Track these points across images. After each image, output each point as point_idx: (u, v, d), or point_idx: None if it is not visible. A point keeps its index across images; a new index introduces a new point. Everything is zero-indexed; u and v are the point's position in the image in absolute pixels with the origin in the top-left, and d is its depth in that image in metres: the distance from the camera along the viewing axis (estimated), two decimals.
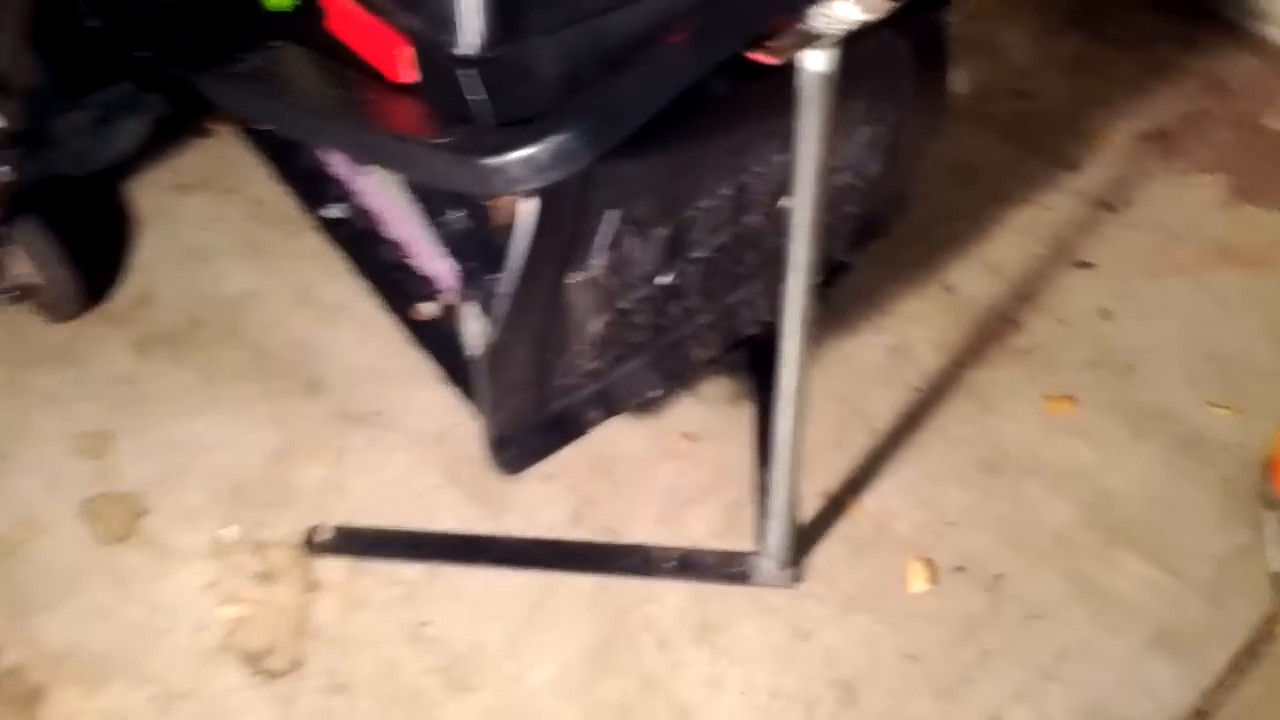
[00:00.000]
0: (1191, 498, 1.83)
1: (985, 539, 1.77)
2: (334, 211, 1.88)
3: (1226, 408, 1.96)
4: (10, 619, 1.62)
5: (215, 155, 2.26)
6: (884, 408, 1.93)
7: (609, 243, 1.26)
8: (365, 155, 1.26)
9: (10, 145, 1.56)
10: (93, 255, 1.98)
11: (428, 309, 1.74)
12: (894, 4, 1.07)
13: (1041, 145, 2.41)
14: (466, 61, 1.10)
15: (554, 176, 1.04)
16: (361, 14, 1.23)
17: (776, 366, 1.41)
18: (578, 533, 1.74)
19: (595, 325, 1.34)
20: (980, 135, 2.40)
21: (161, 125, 2.25)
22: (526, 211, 1.14)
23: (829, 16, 1.10)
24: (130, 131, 2.21)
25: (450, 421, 1.85)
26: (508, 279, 1.18)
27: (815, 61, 1.13)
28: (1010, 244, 2.21)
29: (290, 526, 1.72)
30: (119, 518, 1.73)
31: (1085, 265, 2.18)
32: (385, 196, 1.78)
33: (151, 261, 2.07)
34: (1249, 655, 1.65)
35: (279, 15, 1.41)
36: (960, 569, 1.73)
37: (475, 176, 1.06)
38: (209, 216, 2.15)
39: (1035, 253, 2.20)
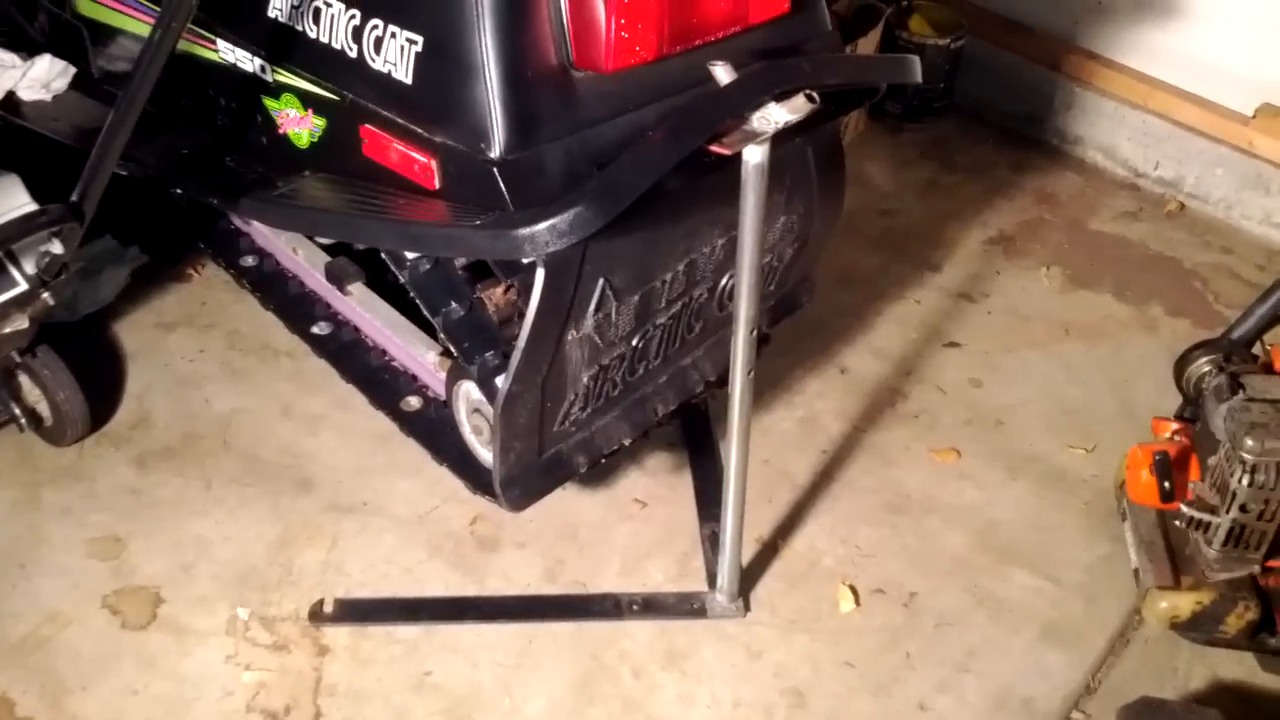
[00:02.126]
0: (1061, 521, 2.19)
1: (897, 566, 2.08)
2: (322, 329, 2.17)
3: (1082, 448, 2.33)
4: (49, 702, 1.79)
5: (193, 296, 2.52)
6: (802, 467, 2.26)
7: (596, 306, 1.57)
8: (410, 243, 1.56)
9: (58, 275, 1.81)
10: (91, 385, 2.21)
11: (415, 401, 2.03)
12: (812, 106, 1.44)
13: (907, 253, 2.83)
14: (497, 163, 1.43)
15: (572, 239, 1.36)
16: (395, 139, 1.56)
17: (728, 410, 1.72)
18: (552, 588, 2.00)
19: (584, 378, 1.64)
20: (856, 248, 2.81)
21: (140, 273, 2.53)
22: (539, 278, 1.46)
23: (765, 118, 1.46)
24: (113, 280, 2.48)
25: (429, 505, 2.11)
26: (523, 333, 1.48)
27: (754, 154, 1.48)
28: (890, 332, 2.60)
29: (296, 603, 1.94)
30: (139, 608, 1.93)
31: (954, 345, 2.57)
32: (369, 312, 2.08)
33: (144, 389, 2.31)
34: (1122, 639, 1.98)
35: (310, 151, 1.72)
36: (880, 591, 2.04)
37: (512, 244, 1.38)
38: (193, 349, 2.40)
39: (911, 337, 2.58)
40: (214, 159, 1.93)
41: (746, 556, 2.06)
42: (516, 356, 1.50)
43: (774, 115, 1.46)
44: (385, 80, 1.52)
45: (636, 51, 1.44)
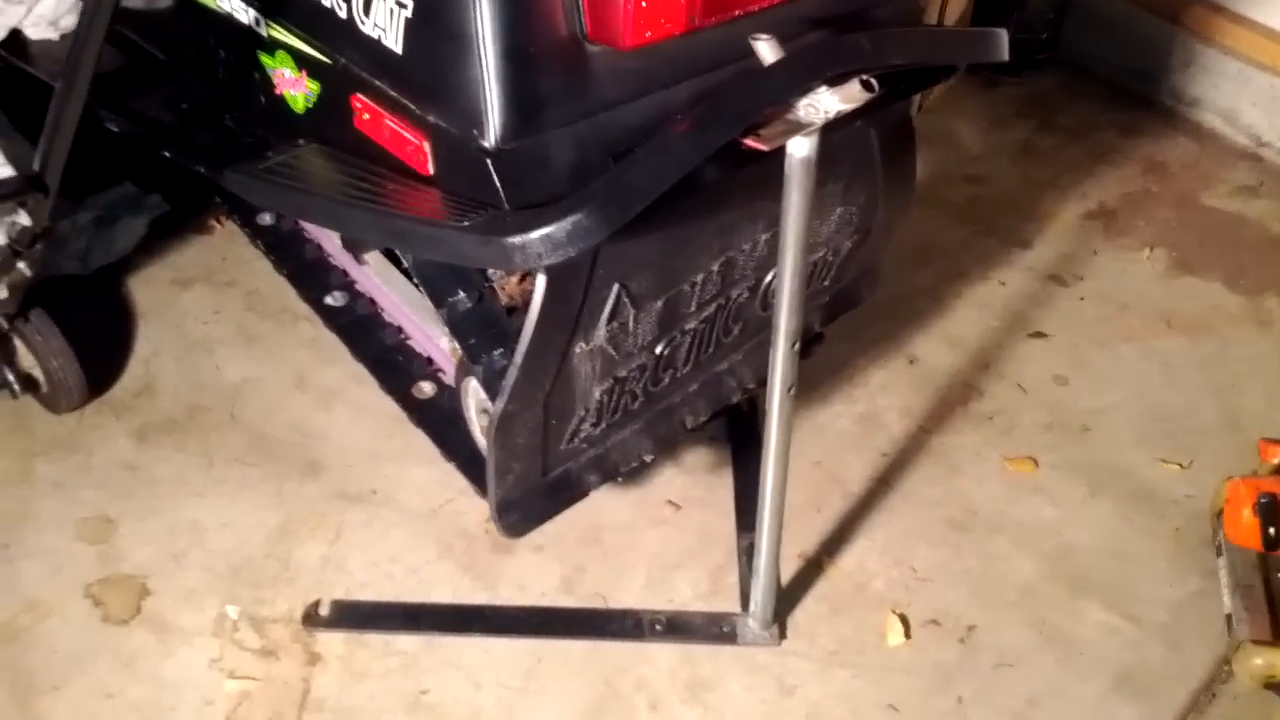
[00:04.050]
0: (1146, 548, 1.94)
1: (956, 593, 1.86)
2: (335, 299, 1.99)
3: (1176, 463, 2.07)
4: (18, 701, 1.67)
5: (213, 251, 2.36)
6: (857, 472, 2.04)
7: (610, 315, 1.36)
8: (393, 240, 1.37)
9: (31, 245, 1.65)
10: (96, 348, 2.06)
11: (428, 388, 1.84)
12: (869, 95, 1.20)
13: (995, 226, 2.56)
14: (491, 153, 1.21)
15: (570, 253, 1.14)
16: (386, 113, 1.35)
17: (764, 427, 1.51)
18: (569, 600, 1.82)
19: (596, 393, 1.44)
20: (938, 218, 2.55)
21: (159, 224, 2.37)
22: (540, 285, 1.25)
23: (814, 107, 1.22)
24: (130, 231, 2.33)
25: (443, 498, 1.93)
26: (520, 348, 1.28)
27: (800, 147, 1.25)
28: (969, 317, 2.34)
29: (290, 603, 1.79)
30: (123, 599, 1.79)
31: (1040, 335, 2.31)
32: (385, 284, 1.89)
33: (152, 353, 2.16)
34: (1207, 694, 1.74)
35: (306, 117, 1.52)
36: (934, 622, 1.82)
37: (500, 254, 1.17)
38: (208, 309, 2.25)
39: (992, 325, 2.33)
40: (213, 116, 1.74)
41: (787, 574, 1.86)
42: (512, 374, 1.30)
43: (824, 103, 1.22)
44: (375, 47, 1.31)
45: (662, 24, 1.20)
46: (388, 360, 1.92)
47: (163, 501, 1.93)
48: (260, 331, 2.22)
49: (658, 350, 1.49)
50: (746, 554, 1.88)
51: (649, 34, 1.19)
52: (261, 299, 2.27)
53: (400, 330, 1.94)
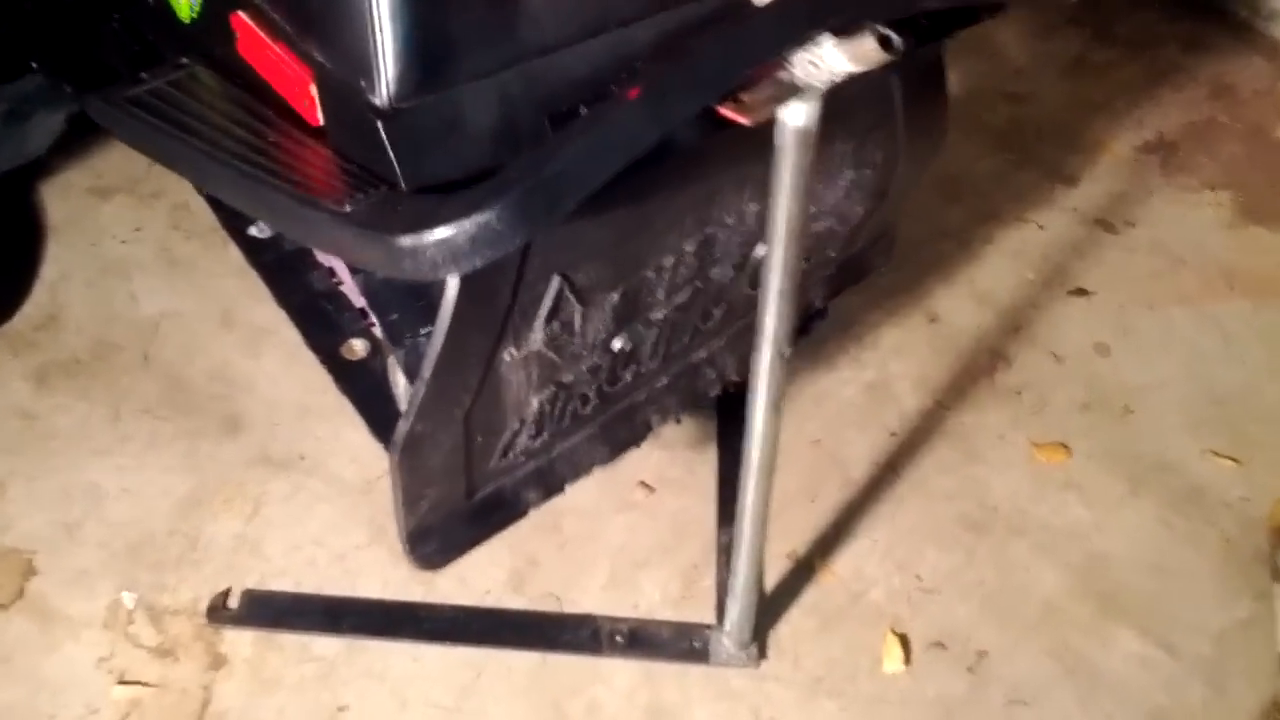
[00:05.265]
0: (1191, 563, 1.68)
1: (967, 609, 1.61)
2: (260, 230, 1.69)
3: (1230, 458, 1.80)
4: None
5: (138, 155, 2.05)
6: (860, 453, 1.77)
7: (550, 315, 1.08)
8: (262, 215, 1.07)
9: None
10: None
11: (359, 346, 1.56)
12: (890, 58, 0.89)
13: (1036, 156, 2.23)
14: (383, 113, 0.91)
15: (477, 262, 0.86)
16: (268, 39, 1.05)
17: (744, 441, 1.23)
18: (518, 600, 1.58)
19: (534, 403, 1.16)
20: (971, 144, 2.22)
21: (79, 120, 2.05)
22: (451, 284, 0.96)
23: (816, 66, 0.92)
24: (45, 128, 2.00)
25: (379, 468, 1.67)
26: (428, 361, 1.00)
27: (795, 115, 0.95)
28: (1000, 268, 2.04)
29: (195, 591, 1.55)
30: (4, 580, 1.55)
31: (1081, 293, 2.01)
32: None
33: (60, 276, 1.88)
34: None
35: (192, 29, 1.21)
36: (939, 644, 1.57)
37: (385, 257, 0.88)
38: (128, 225, 1.96)
39: (1027, 278, 2.03)
40: (98, 12, 1.42)
41: (773, 577, 1.61)
42: (419, 391, 1.01)
43: (829, 60, 0.92)
44: None
45: None
46: (315, 309, 1.63)
47: (60, 459, 1.67)
48: (185, 254, 1.93)
49: (615, 346, 1.20)
50: (727, 552, 1.62)
51: None
52: (190, 215, 1.98)
53: (333, 274, 1.65)
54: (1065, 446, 1.80)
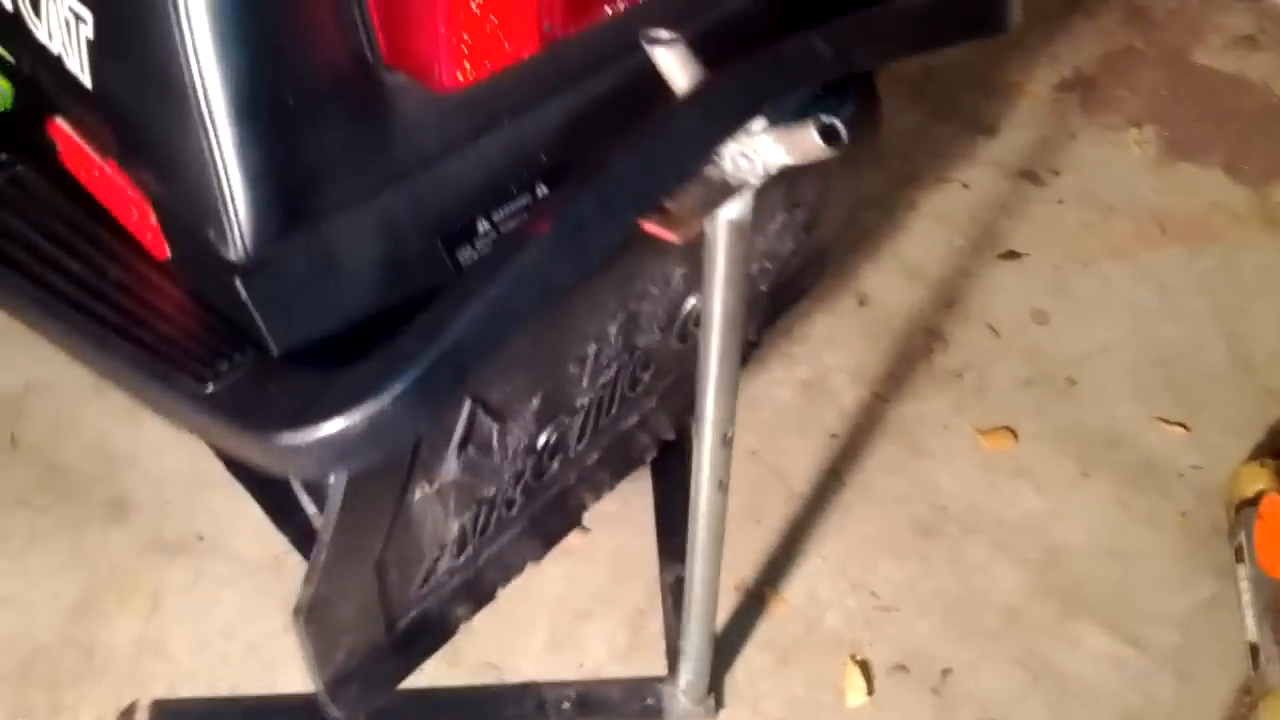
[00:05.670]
0: (1150, 543, 1.62)
1: (927, 624, 1.53)
2: None
3: (1179, 424, 1.73)
4: None
5: None
6: (801, 462, 1.67)
7: (463, 442, 0.94)
8: (109, 380, 0.90)
9: None
10: None
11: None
12: (834, 152, 0.76)
13: (954, 106, 2.12)
14: (239, 267, 0.76)
15: (372, 457, 0.71)
16: (95, 154, 0.87)
17: (689, 532, 1.12)
18: (453, 674, 1.46)
19: (454, 526, 1.03)
20: (886, 99, 2.08)
21: None
22: None
23: (749, 159, 0.78)
24: None
25: (285, 542, 1.53)
26: (325, 527, 0.86)
27: (729, 210, 0.82)
28: (928, 235, 1.93)
29: (98, 709, 1.40)
30: None
31: (1012, 255, 1.92)
32: None
33: None
34: None
35: (13, 122, 1.02)
36: (901, 668, 1.50)
37: (260, 455, 0.73)
38: None
39: (956, 244, 1.93)
40: None
41: (723, 613, 1.51)
42: (319, 554, 0.88)
43: (763, 152, 0.78)
44: (60, 67, 0.82)
45: (503, 49, 0.73)
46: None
47: None
48: None
49: (540, 443, 1.07)
50: (672, 592, 1.52)
51: (483, 66, 0.73)
52: None
53: None
54: (1011, 430, 1.72)
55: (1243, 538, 1.54)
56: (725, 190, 0.78)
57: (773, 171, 0.78)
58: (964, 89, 2.14)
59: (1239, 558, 1.56)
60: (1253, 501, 1.56)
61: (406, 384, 0.68)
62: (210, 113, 0.70)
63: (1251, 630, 1.49)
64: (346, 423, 0.69)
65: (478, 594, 1.17)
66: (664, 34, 0.77)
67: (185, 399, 0.75)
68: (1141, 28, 2.28)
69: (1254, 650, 1.48)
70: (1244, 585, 1.53)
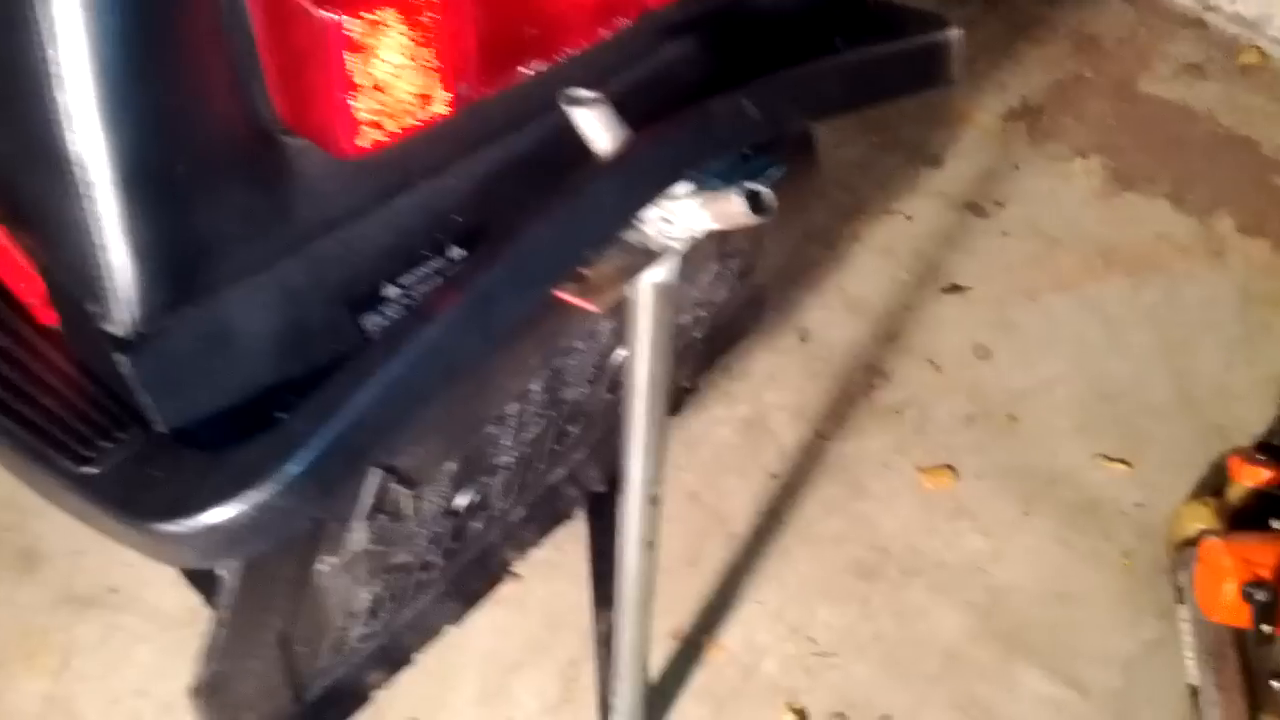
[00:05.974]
0: (1092, 584, 1.60)
1: (866, 669, 1.50)
2: None
3: (1121, 461, 1.72)
4: None
5: None
6: (741, 504, 1.63)
7: (374, 510, 0.89)
8: None
9: None
10: None
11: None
12: (760, 219, 0.72)
13: (898, 136, 2.09)
14: (124, 343, 0.71)
15: (259, 547, 0.67)
16: None
17: (614, 601, 1.08)
18: None
19: (363, 595, 0.98)
20: (831, 129, 2.06)
21: None
22: None
23: (673, 224, 0.74)
24: None
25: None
26: (221, 608, 0.81)
27: (653, 274, 0.77)
28: (871, 269, 1.91)
29: None
30: None
31: (956, 289, 1.90)
32: None
33: None
34: None
35: None
36: (839, 715, 1.46)
37: (141, 543, 0.68)
38: None
39: (899, 278, 1.90)
40: None
41: (658, 662, 1.47)
42: (216, 634, 0.82)
43: (687, 218, 0.74)
44: None
45: (411, 111, 0.69)
46: None
47: None
48: None
49: (458, 505, 1.02)
50: (606, 642, 1.47)
51: (388, 131, 0.68)
52: None
53: None
54: (952, 469, 1.69)
55: (1183, 579, 1.53)
56: (647, 256, 0.74)
57: (698, 237, 0.74)
58: (910, 118, 2.12)
59: (1179, 599, 1.54)
60: (1193, 541, 1.54)
61: (297, 469, 0.63)
62: (91, 182, 0.65)
63: (1192, 672, 1.48)
64: (231, 511, 0.64)
65: (393, 659, 1.13)
66: (585, 94, 0.73)
67: (61, 480, 0.70)
68: (1090, 56, 2.27)
69: (1194, 693, 1.46)
70: (1184, 627, 1.51)
